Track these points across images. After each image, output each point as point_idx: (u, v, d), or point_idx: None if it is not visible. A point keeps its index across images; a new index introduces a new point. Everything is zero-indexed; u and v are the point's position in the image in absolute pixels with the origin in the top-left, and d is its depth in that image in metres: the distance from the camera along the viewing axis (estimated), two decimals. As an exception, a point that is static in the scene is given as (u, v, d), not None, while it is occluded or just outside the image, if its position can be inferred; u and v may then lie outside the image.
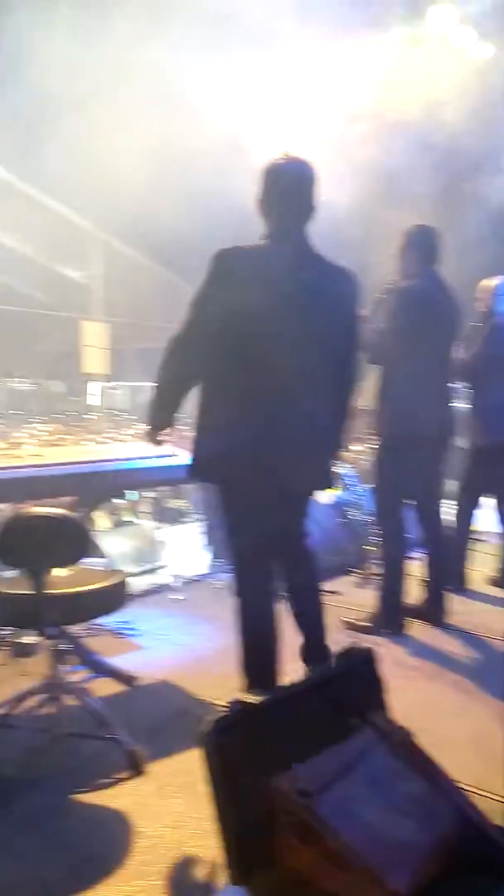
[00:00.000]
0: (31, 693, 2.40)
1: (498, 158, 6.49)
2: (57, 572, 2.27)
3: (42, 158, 6.72)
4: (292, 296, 2.30)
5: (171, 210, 5.94)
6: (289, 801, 1.56)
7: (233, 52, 5.16)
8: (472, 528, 4.21)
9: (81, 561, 2.34)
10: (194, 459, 2.41)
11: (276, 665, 2.45)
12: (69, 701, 2.40)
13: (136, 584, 4.12)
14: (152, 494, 5.53)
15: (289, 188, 2.40)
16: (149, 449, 2.94)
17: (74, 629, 2.89)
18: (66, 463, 2.92)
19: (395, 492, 3.52)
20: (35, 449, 4.37)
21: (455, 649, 3.36)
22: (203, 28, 5.19)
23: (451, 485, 4.06)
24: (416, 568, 3.69)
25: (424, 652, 3.30)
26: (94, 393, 10.85)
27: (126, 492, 4.56)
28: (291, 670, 2.55)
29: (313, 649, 2.57)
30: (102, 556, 4.27)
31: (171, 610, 3.90)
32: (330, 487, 2.72)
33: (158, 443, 2.51)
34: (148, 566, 4.52)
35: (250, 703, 1.73)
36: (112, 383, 10.96)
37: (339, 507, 4.81)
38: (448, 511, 3.92)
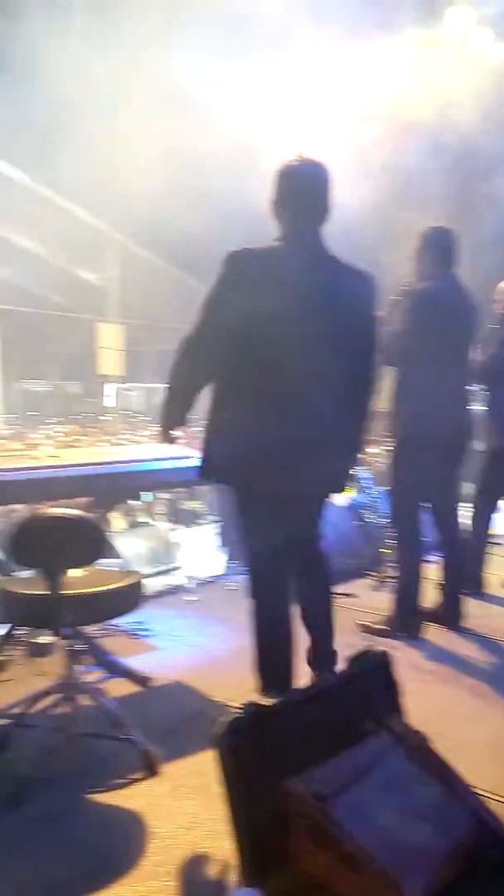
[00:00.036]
0: (46, 693, 2.41)
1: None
2: (72, 573, 2.28)
3: (59, 162, 6.78)
4: (304, 297, 2.29)
5: (186, 212, 5.97)
6: (304, 804, 1.56)
7: (247, 55, 5.17)
8: (489, 531, 4.18)
9: (97, 562, 2.35)
10: (204, 460, 2.41)
11: (291, 667, 2.44)
12: (84, 701, 2.40)
13: (151, 585, 4.13)
14: (167, 496, 5.54)
15: (302, 190, 2.39)
16: (164, 450, 2.96)
17: (90, 629, 2.90)
18: (82, 464, 2.93)
19: (411, 494, 3.50)
20: (51, 450, 4.41)
21: (471, 653, 3.34)
22: (217, 32, 5.21)
23: (468, 488, 4.03)
24: (432, 571, 3.67)
25: (440, 656, 3.28)
26: (109, 394, 10.90)
27: (141, 493, 4.57)
28: (306, 673, 2.55)
29: (319, 654, 2.55)
30: (118, 557, 4.29)
31: (185, 611, 3.90)
32: (344, 490, 2.70)
33: (171, 441, 2.51)
34: (163, 567, 4.53)
35: (264, 705, 1.73)
36: (127, 385, 11.01)
37: (354, 509, 4.79)
38: (465, 514, 3.89)
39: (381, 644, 2.69)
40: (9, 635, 2.89)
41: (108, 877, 1.82)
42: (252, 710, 1.71)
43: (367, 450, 2.67)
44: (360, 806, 1.53)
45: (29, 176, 8.99)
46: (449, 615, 3.61)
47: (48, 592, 2.18)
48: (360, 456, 2.64)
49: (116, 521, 4.94)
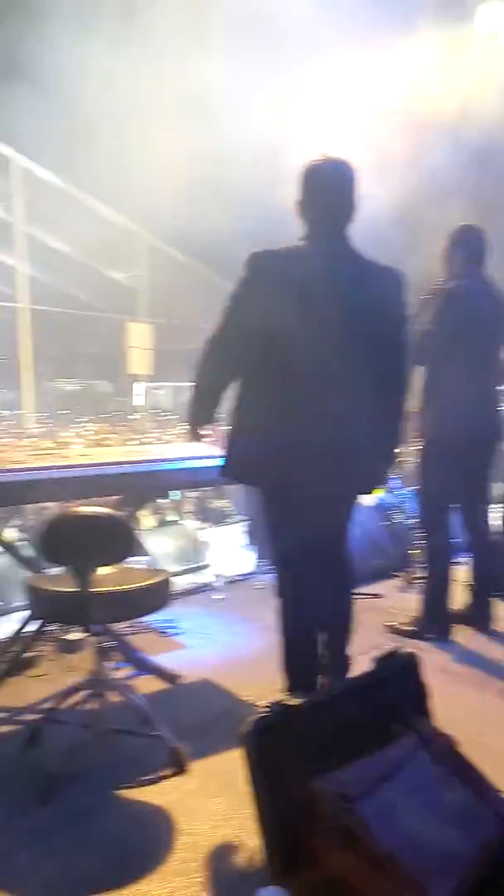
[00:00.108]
0: (76, 689, 2.44)
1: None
2: (102, 571, 2.30)
3: (88, 164, 6.84)
4: (328, 296, 2.28)
5: (214, 212, 5.99)
6: (330, 804, 1.56)
7: (272, 54, 5.17)
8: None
9: (126, 560, 2.37)
10: (226, 460, 2.42)
11: (317, 668, 2.44)
12: (113, 697, 2.43)
13: (180, 583, 4.16)
14: (195, 494, 5.57)
15: (326, 189, 2.38)
16: (192, 449, 2.98)
17: (119, 627, 2.94)
18: (112, 463, 2.96)
19: (440, 495, 3.47)
20: (82, 448, 4.46)
21: (500, 656, 3.30)
22: (241, 33, 5.22)
23: (498, 488, 3.98)
24: (461, 572, 3.64)
25: (469, 658, 3.26)
26: (138, 393, 10.98)
27: (169, 492, 4.61)
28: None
29: (332, 657, 2.54)
30: (147, 555, 4.33)
31: (213, 609, 3.92)
32: (373, 491, 2.69)
33: (199, 440, 2.53)
34: (191, 565, 4.56)
35: (291, 704, 1.74)
36: (156, 384, 11.07)
37: (382, 509, 4.77)
38: (494, 515, 3.85)
39: (409, 645, 2.68)
40: (39, 631, 2.93)
41: (136, 872, 1.84)
42: (279, 709, 1.72)
43: (401, 451, 2.63)
44: (387, 808, 1.52)
45: (59, 177, 9.09)
46: (478, 617, 3.58)
47: (78, 590, 2.21)
48: (394, 457, 2.60)
49: (146, 519, 4.98)
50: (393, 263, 2.47)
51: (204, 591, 4.20)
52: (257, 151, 5.31)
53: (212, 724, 2.60)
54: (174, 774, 2.29)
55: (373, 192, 2.42)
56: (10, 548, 3.07)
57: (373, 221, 2.46)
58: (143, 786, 2.23)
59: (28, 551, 3.14)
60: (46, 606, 2.41)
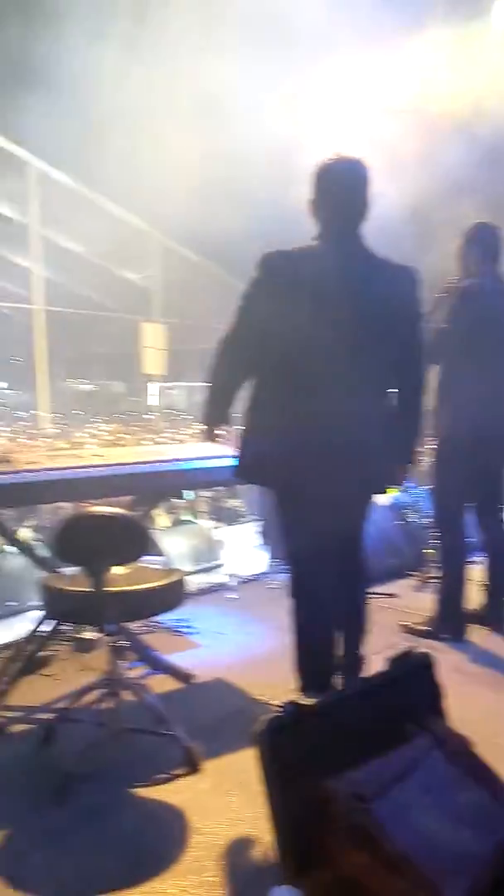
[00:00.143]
0: (90, 688, 2.45)
1: None
2: (116, 570, 2.31)
3: (102, 164, 6.87)
4: (340, 296, 2.28)
5: (228, 212, 5.99)
6: (344, 804, 1.56)
7: (285, 55, 5.16)
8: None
9: (140, 559, 2.38)
10: (239, 461, 2.43)
11: (331, 668, 2.44)
12: (128, 696, 2.44)
13: (194, 582, 4.16)
14: (209, 494, 5.58)
15: (338, 188, 2.38)
16: (206, 449, 2.98)
17: (133, 626, 2.95)
18: (126, 463, 2.98)
19: (455, 494, 3.46)
20: (96, 449, 4.48)
21: (516, 656, 3.28)
22: (253, 33, 5.22)
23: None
24: (476, 572, 3.62)
25: (484, 658, 3.24)
26: (153, 393, 11.03)
27: (183, 491, 4.61)
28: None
29: (347, 657, 2.53)
30: (161, 555, 4.34)
31: (227, 609, 3.93)
32: (387, 490, 2.68)
33: (214, 440, 2.53)
34: (205, 565, 4.56)
35: (304, 704, 1.74)
36: (170, 383, 11.10)
37: (397, 508, 4.75)
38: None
39: (424, 645, 2.67)
40: (54, 631, 2.95)
41: (150, 871, 1.85)
42: (292, 709, 1.71)
43: (420, 448, 2.59)
44: (401, 808, 1.52)
45: (73, 179, 9.14)
46: (493, 617, 3.56)
47: (92, 589, 2.22)
48: (414, 456, 2.58)
49: (160, 518, 5.00)
50: (406, 261, 2.45)
51: (218, 590, 4.20)
52: (270, 151, 5.32)
53: (225, 724, 2.60)
54: (188, 773, 2.30)
55: (386, 190, 2.41)
56: (25, 548, 3.09)
57: (386, 220, 2.44)
58: (157, 784, 2.24)
59: (43, 551, 3.16)
60: (61, 606, 2.43)
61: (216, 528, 5.16)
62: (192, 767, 2.32)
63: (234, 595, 4.11)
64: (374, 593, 2.99)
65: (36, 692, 2.83)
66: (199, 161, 5.62)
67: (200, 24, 5.38)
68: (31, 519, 4.71)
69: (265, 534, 4.72)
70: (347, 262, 2.36)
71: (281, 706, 1.75)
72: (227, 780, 2.25)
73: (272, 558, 4.54)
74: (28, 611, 3.61)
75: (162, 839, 1.99)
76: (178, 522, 5.13)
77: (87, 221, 9.52)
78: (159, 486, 3.03)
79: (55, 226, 10.11)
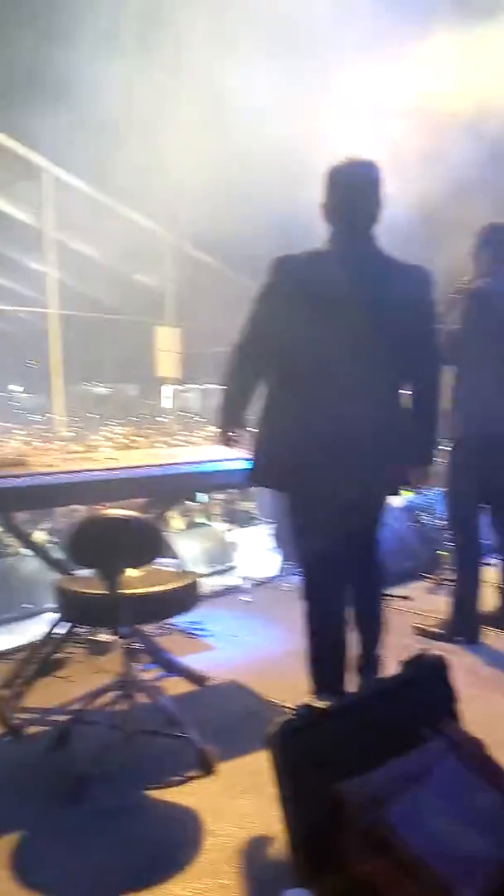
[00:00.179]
0: (105, 690, 2.47)
1: None
2: (130, 573, 2.32)
3: (116, 169, 6.91)
4: (353, 299, 2.28)
5: (242, 215, 6.01)
6: (357, 807, 1.56)
7: (295, 58, 5.17)
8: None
9: (154, 562, 2.39)
10: (254, 464, 2.43)
11: (344, 671, 2.43)
12: (142, 698, 2.45)
13: (207, 585, 4.17)
14: (222, 496, 5.59)
15: (350, 191, 2.37)
16: (219, 452, 2.99)
17: (147, 628, 2.96)
18: (140, 466, 2.99)
19: (469, 496, 3.44)
20: (110, 452, 4.50)
21: (532, 659, 3.26)
22: (266, 37, 5.23)
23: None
24: (490, 574, 3.60)
25: (499, 661, 3.22)
26: (167, 396, 11.07)
27: (197, 494, 4.63)
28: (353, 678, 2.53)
29: (365, 658, 2.53)
30: (175, 557, 4.35)
31: (240, 611, 3.93)
32: (400, 492, 2.67)
33: (230, 443, 2.54)
34: (219, 567, 4.57)
35: (317, 707, 1.74)
36: (184, 386, 11.14)
37: (411, 510, 4.74)
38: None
39: (438, 648, 2.66)
40: (69, 633, 2.97)
41: (164, 873, 1.85)
42: (305, 711, 1.72)
43: (436, 449, 2.58)
44: (415, 812, 1.52)
45: (86, 182, 9.20)
46: (508, 620, 3.54)
47: (106, 592, 2.23)
48: (431, 458, 2.57)
49: (174, 521, 5.02)
50: (419, 262, 2.45)
51: (231, 593, 4.21)
52: (283, 154, 5.33)
53: (239, 726, 2.61)
54: (202, 775, 2.31)
55: (394, 191, 2.40)
56: (40, 550, 3.11)
57: (394, 220, 2.44)
58: (170, 786, 2.25)
59: (57, 554, 3.18)
60: (75, 608, 2.44)
61: (230, 530, 5.17)
62: (206, 769, 2.32)
63: (247, 597, 4.12)
64: (387, 595, 2.98)
65: (51, 694, 2.85)
66: (211, 165, 5.65)
67: (211, 31, 5.41)
68: (45, 522, 4.74)
69: (278, 536, 4.72)
70: (360, 264, 2.36)
71: (294, 709, 1.76)
72: (241, 782, 2.26)
73: (284, 561, 4.54)
74: (43, 613, 3.64)
75: (176, 841, 2.00)
76: (191, 525, 5.14)
77: (102, 225, 9.58)
78: (173, 488, 3.04)
79: (69, 230, 10.18)
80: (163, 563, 2.61)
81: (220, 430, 2.53)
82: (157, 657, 2.99)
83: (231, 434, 2.51)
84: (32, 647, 3.01)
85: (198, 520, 5.26)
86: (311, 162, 2.75)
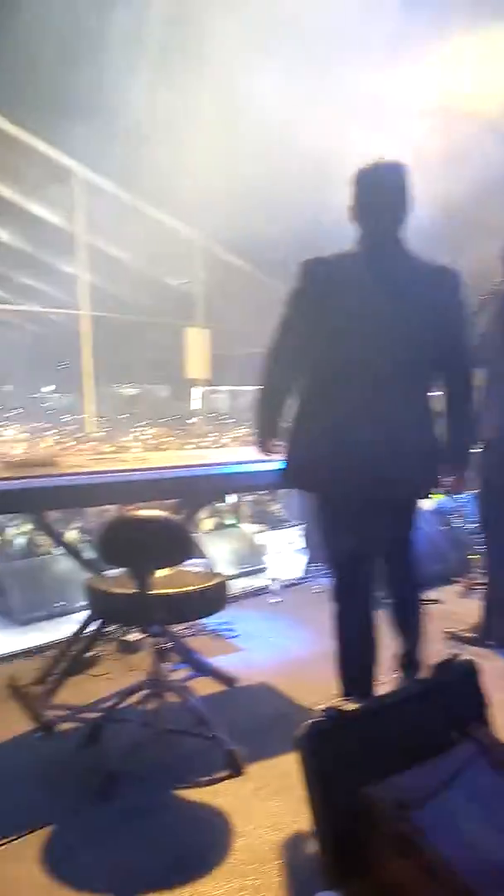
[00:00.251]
0: (135, 689, 2.49)
1: None
2: (160, 573, 2.34)
3: (146, 173, 6.97)
4: (379, 301, 2.26)
5: (270, 217, 6.02)
6: (387, 811, 1.55)
7: (320, 61, 5.17)
8: None
9: (184, 562, 2.40)
10: (287, 466, 2.43)
11: (373, 674, 2.42)
12: (171, 698, 2.47)
13: (236, 586, 4.18)
14: (252, 498, 5.60)
15: (377, 192, 2.36)
16: (248, 453, 2.99)
17: (177, 628, 2.98)
18: (170, 467, 3.01)
19: (501, 498, 3.39)
20: (140, 452, 4.54)
21: None
22: (292, 43, 5.24)
23: None
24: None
25: (532, 666, 3.17)
26: (196, 397, 11.13)
27: (226, 495, 4.65)
28: (389, 679, 2.52)
29: (404, 660, 2.52)
30: (204, 558, 4.37)
31: (269, 613, 3.93)
32: (431, 495, 2.65)
33: (269, 451, 2.52)
34: (248, 569, 4.58)
35: (346, 710, 1.73)
36: (213, 388, 11.19)
37: (441, 513, 4.70)
38: None
39: (469, 652, 2.63)
40: (100, 632, 3.00)
41: (193, 873, 1.86)
42: (334, 714, 1.71)
43: (471, 450, 2.54)
44: (444, 817, 1.50)
45: (117, 186, 9.29)
46: (541, 624, 3.48)
47: (136, 591, 2.25)
48: (464, 459, 2.53)
49: (204, 522, 5.04)
50: (448, 263, 2.42)
51: (261, 594, 4.21)
52: (311, 156, 5.32)
53: (268, 727, 2.61)
54: (230, 776, 2.31)
55: (421, 192, 2.38)
56: (71, 549, 3.15)
57: (420, 222, 2.42)
58: (200, 787, 2.26)
59: (89, 553, 3.22)
60: (106, 607, 2.46)
61: (259, 532, 5.18)
62: (235, 770, 2.33)
63: (276, 599, 4.12)
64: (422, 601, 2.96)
65: (82, 691, 2.88)
66: (239, 168, 5.67)
67: (238, 36, 5.43)
68: (77, 521, 4.80)
69: (307, 538, 4.72)
70: (387, 266, 2.35)
71: (323, 711, 1.75)
72: (270, 783, 2.26)
73: (310, 563, 4.53)
74: (74, 612, 3.68)
75: (205, 841, 2.01)
76: (221, 526, 5.16)
77: (132, 228, 9.67)
78: (203, 489, 3.05)
79: (101, 233, 10.29)
80: (192, 564, 2.62)
81: (257, 438, 2.52)
82: (187, 657, 3.00)
83: (270, 442, 2.50)
84: (64, 645, 3.05)
85: (227, 521, 5.28)
86: (339, 164, 2.75)
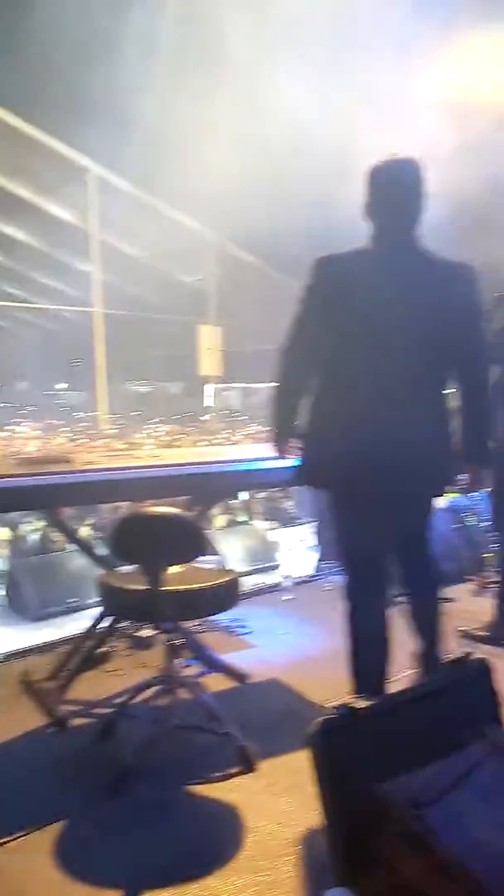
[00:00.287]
0: (147, 685, 2.50)
1: None
2: (172, 570, 2.35)
3: (160, 171, 6.98)
4: (393, 298, 2.25)
5: (282, 214, 6.01)
6: (399, 809, 1.55)
7: (334, 56, 5.15)
8: None
9: (196, 559, 2.41)
10: (302, 464, 2.42)
11: (385, 672, 2.42)
12: (183, 694, 2.48)
13: (249, 583, 4.19)
14: (264, 495, 5.61)
15: (391, 189, 2.34)
16: (260, 451, 2.99)
17: (189, 625, 2.98)
18: (183, 464, 3.02)
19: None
20: (153, 449, 4.56)
21: None
22: (308, 42, 5.22)
23: None
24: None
25: (545, 665, 3.15)
26: (209, 394, 11.15)
27: (238, 492, 4.65)
28: (402, 677, 2.52)
29: (423, 658, 2.51)
30: (217, 555, 4.38)
31: (282, 610, 3.93)
32: (445, 492, 2.63)
33: (286, 451, 2.50)
34: (260, 565, 4.59)
35: (358, 707, 1.73)
36: (225, 385, 11.20)
37: (455, 511, 4.68)
38: None
39: (483, 651, 2.62)
40: (112, 628, 3.01)
41: (205, 868, 1.87)
42: (346, 711, 1.71)
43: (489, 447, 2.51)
44: (456, 815, 1.50)
45: (130, 183, 9.31)
46: None
47: (149, 588, 2.26)
48: (481, 457, 2.51)
49: (216, 518, 5.05)
50: (464, 260, 2.41)
51: (273, 591, 4.21)
52: (324, 151, 5.31)
53: (280, 724, 2.61)
54: (242, 772, 2.32)
55: (433, 189, 2.37)
56: (84, 546, 3.16)
57: (435, 218, 2.40)
58: (212, 782, 2.26)
59: (102, 550, 3.23)
60: (118, 603, 2.47)
61: (272, 529, 5.18)
62: (247, 767, 2.33)
63: (289, 596, 4.12)
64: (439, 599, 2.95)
65: (95, 687, 2.90)
66: (252, 164, 5.66)
67: (252, 34, 5.42)
68: (90, 518, 4.82)
69: (319, 535, 4.71)
70: (401, 263, 2.33)
71: (335, 708, 1.75)
72: (282, 780, 2.26)
73: (322, 560, 4.53)
74: (88, 608, 3.70)
75: (216, 837, 2.01)
76: (233, 523, 5.17)
77: (145, 226, 9.68)
78: (215, 486, 3.06)
79: (114, 231, 10.31)
80: (204, 561, 2.63)
81: (274, 439, 2.52)
82: (199, 653, 3.01)
83: (286, 442, 2.49)
84: (77, 641, 3.06)
85: (240, 518, 5.29)
86: (352, 160, 2.73)
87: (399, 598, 2.55)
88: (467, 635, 3.41)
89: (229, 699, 2.76)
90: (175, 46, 5.97)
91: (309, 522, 5.23)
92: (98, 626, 2.97)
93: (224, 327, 11.20)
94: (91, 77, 6.21)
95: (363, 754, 1.67)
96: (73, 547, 3.79)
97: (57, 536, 4.45)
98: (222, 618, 3.43)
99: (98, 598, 2.58)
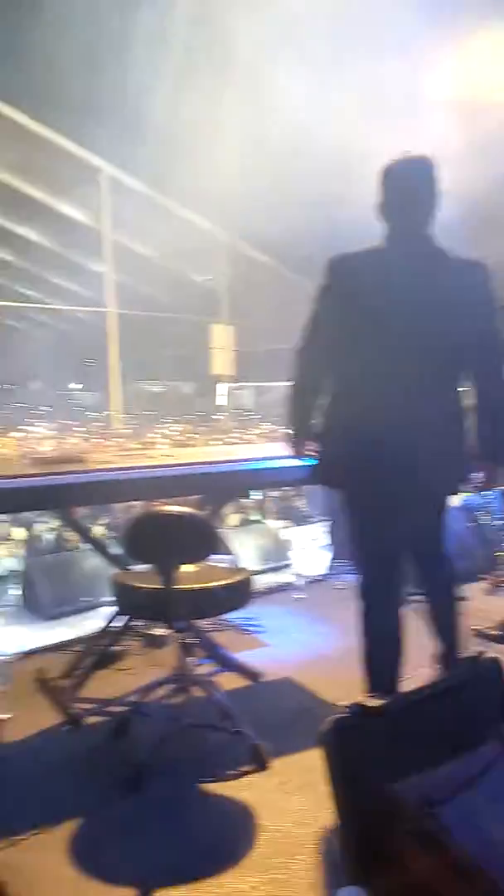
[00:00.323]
0: (161, 683, 2.51)
1: None
2: (185, 568, 2.36)
3: (173, 171, 7.00)
4: (407, 296, 2.25)
5: (295, 214, 6.01)
6: (412, 808, 1.55)
7: (345, 56, 5.14)
8: None
9: (209, 558, 2.42)
10: (318, 463, 2.42)
11: (398, 671, 2.41)
12: (197, 693, 2.48)
13: (261, 581, 4.19)
14: (276, 494, 5.61)
15: (404, 188, 2.34)
16: (273, 449, 3.00)
17: (202, 623, 2.99)
18: (196, 463, 3.03)
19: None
20: (166, 448, 4.57)
21: None
22: (315, 40, 5.21)
23: None
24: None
25: None
26: (221, 393, 11.16)
27: (251, 491, 4.65)
28: (415, 676, 2.51)
29: (443, 658, 2.51)
30: (229, 554, 4.39)
31: (295, 608, 3.94)
32: (459, 492, 2.62)
33: (303, 452, 2.49)
34: (273, 564, 4.59)
35: (370, 706, 1.73)
36: (238, 384, 11.21)
37: (469, 510, 4.66)
38: None
39: (495, 650, 2.61)
40: (126, 627, 3.03)
41: (218, 866, 1.88)
42: (358, 710, 1.71)
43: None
44: (469, 814, 1.50)
45: (143, 183, 9.33)
46: None
47: (162, 587, 2.27)
48: (498, 455, 2.47)
49: (229, 518, 5.06)
50: (478, 258, 2.40)
51: (286, 590, 4.22)
52: (335, 150, 5.30)
53: (293, 723, 2.62)
54: (255, 771, 2.32)
55: (448, 186, 2.36)
56: (98, 545, 3.18)
57: (445, 216, 2.39)
58: (225, 781, 2.27)
59: (115, 549, 3.25)
60: (132, 602, 2.49)
61: (284, 527, 5.18)
62: (260, 765, 2.34)
63: (301, 595, 4.12)
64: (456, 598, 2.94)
65: (109, 685, 2.92)
66: (264, 163, 5.67)
67: (262, 33, 5.42)
68: (104, 517, 4.85)
69: (332, 534, 4.71)
70: (415, 262, 2.33)
71: (347, 707, 1.75)
72: (295, 778, 2.26)
73: (334, 559, 4.52)
74: (101, 606, 3.72)
75: (229, 835, 2.02)
76: (246, 522, 5.17)
77: (158, 226, 9.71)
78: (228, 485, 3.07)
79: (127, 231, 10.35)
80: (217, 560, 2.64)
81: (291, 439, 2.51)
82: (212, 652, 3.02)
83: (303, 443, 2.48)
84: (90, 640, 3.08)
85: (252, 517, 5.29)
86: (363, 159, 2.73)
87: (413, 597, 2.55)
88: (480, 634, 3.40)
89: (242, 698, 2.77)
90: (185, 46, 5.98)
91: (322, 521, 5.23)
92: (112, 625, 2.98)
93: (236, 327, 11.21)
94: (102, 77, 6.23)
95: (376, 753, 1.66)
96: (87, 546, 3.81)
97: (71, 536, 4.47)
98: (235, 616, 3.43)
99: (112, 597, 2.59)
